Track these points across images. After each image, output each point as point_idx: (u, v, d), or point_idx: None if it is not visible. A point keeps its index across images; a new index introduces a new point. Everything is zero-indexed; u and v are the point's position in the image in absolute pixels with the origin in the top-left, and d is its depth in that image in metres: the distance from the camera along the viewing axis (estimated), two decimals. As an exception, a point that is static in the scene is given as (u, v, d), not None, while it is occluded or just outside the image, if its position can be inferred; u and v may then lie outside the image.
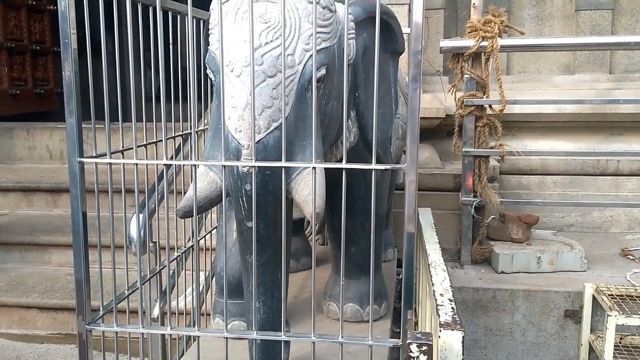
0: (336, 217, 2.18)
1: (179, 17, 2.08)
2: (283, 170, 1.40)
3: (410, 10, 1.28)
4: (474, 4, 3.22)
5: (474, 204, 3.23)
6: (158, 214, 2.14)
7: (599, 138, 4.00)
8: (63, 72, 1.44)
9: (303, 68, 1.60)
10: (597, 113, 3.88)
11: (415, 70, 1.31)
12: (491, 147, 3.28)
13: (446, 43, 3.23)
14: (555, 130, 4.04)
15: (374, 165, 1.38)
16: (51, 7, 6.33)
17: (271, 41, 1.58)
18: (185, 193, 1.70)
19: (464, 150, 3.24)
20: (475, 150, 3.22)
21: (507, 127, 3.86)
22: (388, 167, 1.45)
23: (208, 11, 1.83)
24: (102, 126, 1.54)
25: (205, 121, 2.48)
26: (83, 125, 1.46)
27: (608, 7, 4.10)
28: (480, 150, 3.22)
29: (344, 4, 1.92)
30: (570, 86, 4.11)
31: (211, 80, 1.72)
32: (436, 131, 3.93)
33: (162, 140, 1.64)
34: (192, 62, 1.48)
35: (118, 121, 1.61)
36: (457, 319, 1.44)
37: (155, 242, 2.11)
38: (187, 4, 1.45)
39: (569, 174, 4.00)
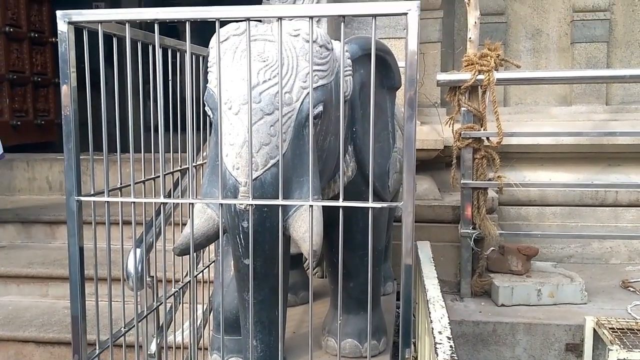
0: (335, 251, 2.16)
1: (178, 53, 2.10)
2: (280, 208, 1.40)
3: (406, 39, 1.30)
4: (470, 38, 3.26)
5: (473, 236, 3.22)
6: (155, 248, 2.14)
7: (597, 169, 4.01)
8: (63, 111, 1.46)
9: (300, 105, 1.62)
10: (595, 144, 3.90)
11: (411, 101, 1.33)
12: (489, 179, 3.29)
13: (443, 76, 3.26)
14: (554, 161, 4.06)
15: (370, 204, 1.38)
16: (53, 39, 6.41)
17: (269, 79, 1.60)
18: (183, 225, 1.71)
19: (462, 182, 3.25)
20: (474, 183, 3.23)
21: (506, 157, 3.89)
22: (384, 205, 1.45)
23: (207, 47, 1.85)
24: (102, 157, 1.55)
25: (204, 154, 2.49)
26: (82, 157, 1.48)
27: (603, 39, 4.16)
28: (479, 182, 3.23)
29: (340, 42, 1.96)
30: (567, 117, 4.14)
31: (209, 117, 1.74)
32: (435, 162, 3.94)
33: (159, 176, 1.64)
34: (191, 99, 1.50)
35: (117, 152, 1.61)
36: (456, 357, 1.43)
37: (153, 276, 2.10)
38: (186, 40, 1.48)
39: (567, 205, 4.00)
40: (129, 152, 1.55)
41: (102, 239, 1.53)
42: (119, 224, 1.81)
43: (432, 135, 3.79)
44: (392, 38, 3.61)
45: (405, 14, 1.30)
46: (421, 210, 3.54)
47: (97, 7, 7.82)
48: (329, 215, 1.60)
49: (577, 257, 3.97)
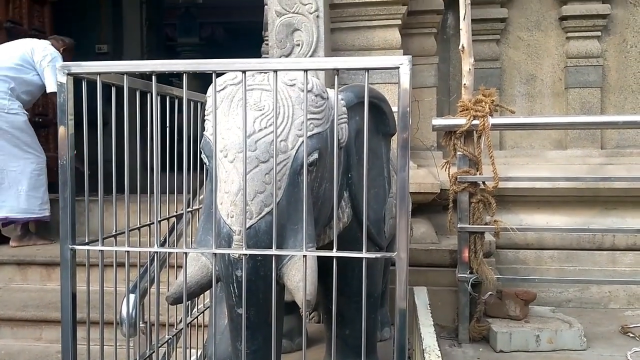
0: (330, 298, 2.16)
1: (176, 100, 2.14)
2: (274, 258, 1.40)
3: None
4: (464, 84, 3.31)
5: (471, 280, 3.20)
6: (150, 293, 2.12)
7: (593, 212, 4.02)
8: (59, 160, 1.47)
9: (296, 153, 1.64)
10: (591, 188, 3.91)
11: (404, 152, 1.34)
12: (486, 223, 3.29)
13: (438, 121, 3.30)
14: (551, 204, 4.07)
15: (364, 254, 1.39)
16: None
17: (265, 128, 1.62)
18: (179, 268, 1.70)
19: (459, 226, 3.25)
20: (470, 227, 3.23)
21: (503, 200, 3.91)
22: (379, 255, 1.46)
23: (207, 91, 1.88)
24: (96, 198, 1.56)
25: (201, 197, 2.50)
26: (78, 198, 1.49)
27: (597, 85, 4.22)
28: (475, 226, 3.23)
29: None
30: (562, 161, 4.17)
31: (205, 165, 1.75)
32: (432, 205, 3.95)
33: (153, 223, 1.65)
34: (187, 145, 1.52)
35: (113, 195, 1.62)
36: (451, 410, 1.40)
37: (147, 322, 2.08)
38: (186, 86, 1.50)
39: (565, 249, 3.99)
40: (130, 194, 1.56)
41: (97, 282, 1.54)
42: (113, 266, 1.81)
43: (428, 178, 3.80)
44: (388, 83, 3.67)
45: (397, 68, 1.33)
46: (418, 255, 3.53)
47: (99, 50, 7.96)
48: (325, 261, 1.60)
49: (576, 301, 3.93)
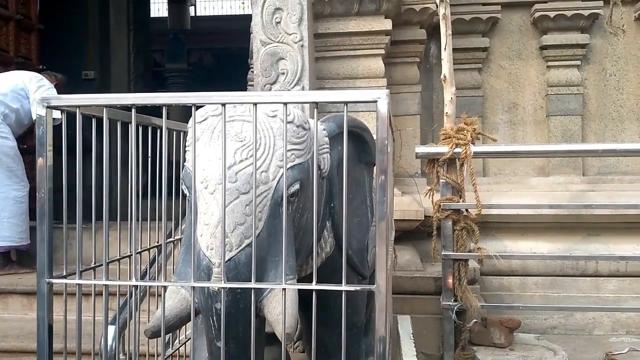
0: (311, 330, 2.15)
1: (159, 130, 2.14)
2: (253, 291, 1.40)
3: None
4: (447, 112, 3.36)
5: (455, 308, 3.20)
6: (129, 325, 2.10)
7: (576, 238, 4.04)
8: (37, 192, 1.46)
9: (277, 184, 1.64)
10: (574, 214, 3.94)
11: (382, 186, 1.35)
12: (470, 250, 3.30)
13: (422, 149, 3.33)
14: (534, 230, 4.09)
15: (344, 287, 1.39)
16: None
17: (246, 159, 1.62)
18: (160, 296, 1.68)
19: (443, 253, 3.26)
20: (454, 254, 3.24)
21: (487, 227, 3.92)
22: (358, 287, 1.45)
23: (187, 123, 1.89)
24: (74, 226, 1.55)
25: (183, 226, 2.49)
26: (57, 226, 1.48)
27: (577, 113, 4.29)
28: (459, 254, 3.24)
29: (318, 121, 2.01)
30: (545, 188, 4.21)
31: (186, 196, 1.75)
32: (416, 232, 3.95)
33: (131, 255, 1.64)
34: (166, 176, 1.52)
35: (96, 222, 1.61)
36: None
37: (127, 353, 2.05)
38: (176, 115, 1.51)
39: (549, 275, 4.01)
40: (111, 221, 1.56)
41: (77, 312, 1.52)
42: (92, 297, 1.79)
43: (413, 205, 3.82)
44: (372, 111, 3.68)
45: (375, 101, 1.35)
46: (403, 282, 3.52)
47: (86, 76, 7.95)
48: (307, 292, 1.59)
49: (561, 328, 3.93)
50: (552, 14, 4.19)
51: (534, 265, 4.02)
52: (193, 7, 14.85)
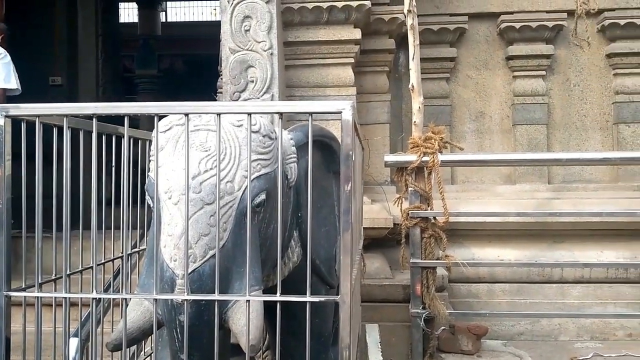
0: (280, 339, 2.13)
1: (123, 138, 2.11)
2: (216, 303, 1.38)
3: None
4: (415, 122, 3.39)
5: (423, 315, 3.22)
6: (92, 337, 2.05)
7: (542, 246, 4.11)
8: (-5, 203, 1.43)
9: (242, 194, 1.63)
10: (539, 222, 4.01)
11: (347, 198, 1.35)
12: (438, 258, 3.33)
13: (390, 158, 3.36)
14: (501, 238, 4.14)
15: (308, 298, 1.38)
16: None
17: (210, 169, 1.61)
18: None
19: (411, 261, 3.28)
20: (422, 262, 3.26)
21: (455, 234, 3.96)
22: (322, 298, 1.45)
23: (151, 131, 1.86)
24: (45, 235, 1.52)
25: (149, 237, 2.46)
26: (15, 235, 1.44)
27: (542, 122, 4.37)
28: (427, 261, 3.27)
29: (285, 130, 2.01)
30: (512, 195, 4.27)
31: (149, 207, 1.73)
32: (386, 240, 3.97)
33: (92, 267, 1.61)
34: (127, 185, 1.49)
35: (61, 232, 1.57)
36: None
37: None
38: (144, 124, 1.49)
39: (516, 282, 4.06)
40: (76, 231, 1.53)
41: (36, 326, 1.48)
42: (53, 307, 1.75)
43: (382, 213, 3.84)
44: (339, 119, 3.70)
45: (340, 112, 1.35)
46: (372, 290, 3.53)
47: (53, 82, 7.81)
48: (275, 302, 1.58)
49: (527, 334, 3.99)
50: (517, 25, 4.27)
51: (501, 272, 4.07)
52: (164, 12, 14.72)
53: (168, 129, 1.69)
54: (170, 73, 13.11)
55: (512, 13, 4.33)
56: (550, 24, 4.27)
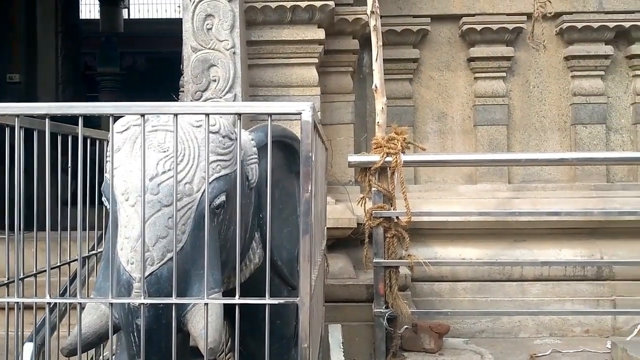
0: (242, 340, 2.12)
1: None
2: (174, 306, 1.36)
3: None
4: (378, 122, 3.41)
5: (386, 315, 3.24)
6: (47, 342, 2.00)
7: (503, 244, 4.18)
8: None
9: (201, 196, 1.61)
10: (500, 221, 4.08)
11: (307, 202, 1.35)
12: (400, 257, 3.36)
13: (354, 158, 3.37)
14: (463, 237, 4.20)
15: (267, 300, 1.37)
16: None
17: (168, 170, 1.58)
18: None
19: (374, 261, 3.30)
20: (385, 261, 3.29)
21: (418, 234, 4.00)
22: (282, 300, 1.44)
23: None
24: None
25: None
26: None
27: (503, 123, 4.45)
28: (390, 261, 3.29)
29: (246, 131, 1.99)
30: (473, 195, 4.34)
31: (106, 208, 1.69)
32: (350, 240, 3.98)
33: (45, 271, 1.57)
34: (82, 186, 1.46)
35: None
36: None
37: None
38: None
39: (477, 280, 4.12)
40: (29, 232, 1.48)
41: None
42: (6, 312, 1.70)
43: (346, 214, 3.85)
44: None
45: (299, 113, 1.34)
46: (336, 290, 3.54)
47: (11, 79, 7.60)
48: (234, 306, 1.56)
49: (489, 331, 4.06)
50: (478, 27, 4.33)
51: (463, 271, 4.13)
52: (126, 9, 14.46)
53: (125, 129, 1.66)
54: (133, 71, 12.89)
55: (473, 15, 4.40)
56: (510, 26, 4.35)
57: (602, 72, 4.46)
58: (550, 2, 3.71)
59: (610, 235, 4.18)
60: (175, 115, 1.37)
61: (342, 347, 2.52)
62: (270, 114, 1.37)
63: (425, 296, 4.10)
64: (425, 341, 3.33)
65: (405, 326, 3.42)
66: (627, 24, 4.33)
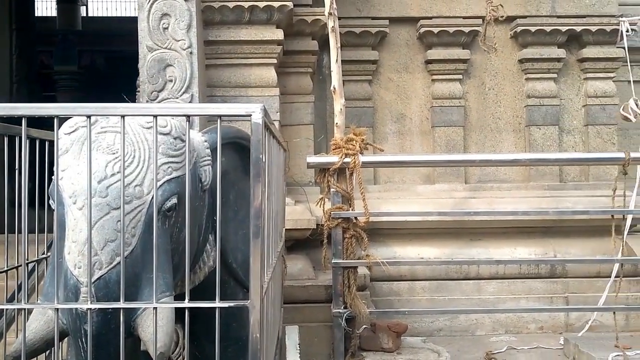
0: (197, 344, 2.10)
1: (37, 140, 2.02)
2: (123, 311, 1.34)
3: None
4: (337, 123, 3.43)
5: (344, 315, 3.26)
6: None
7: (460, 243, 4.25)
8: None
9: (152, 198, 1.59)
10: (457, 220, 4.15)
11: (256, 212, 1.34)
12: (359, 258, 3.38)
13: (312, 159, 3.38)
14: (421, 236, 4.26)
15: (217, 304, 1.37)
16: None
17: (118, 172, 1.56)
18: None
19: (333, 261, 3.32)
20: (344, 262, 3.30)
21: (378, 234, 4.04)
22: (232, 304, 1.43)
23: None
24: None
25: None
26: None
27: (459, 124, 4.52)
28: (348, 261, 3.31)
29: (200, 132, 1.97)
30: (431, 195, 4.40)
31: (53, 212, 1.65)
32: (310, 241, 3.99)
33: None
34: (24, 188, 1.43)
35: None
36: None
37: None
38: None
39: (435, 279, 4.18)
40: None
41: None
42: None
43: (305, 214, 3.85)
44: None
45: (249, 115, 1.34)
46: (295, 291, 3.54)
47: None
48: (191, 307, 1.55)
49: (446, 330, 4.12)
50: (436, 30, 4.40)
51: (421, 270, 4.18)
52: (84, 7, 14.15)
53: (73, 131, 1.63)
54: (91, 70, 12.61)
55: (430, 18, 4.46)
56: (466, 29, 4.42)
57: (555, 75, 4.58)
58: (502, 6, 3.78)
59: (563, 234, 4.30)
60: (122, 116, 1.34)
61: (298, 348, 2.52)
62: (219, 116, 1.36)
63: (385, 295, 4.13)
64: (384, 340, 3.36)
65: (364, 326, 3.44)
66: (578, 28, 4.45)
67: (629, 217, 3.62)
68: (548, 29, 4.43)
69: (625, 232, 3.58)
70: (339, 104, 3.46)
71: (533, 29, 4.43)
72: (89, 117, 1.34)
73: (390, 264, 3.49)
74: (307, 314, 3.52)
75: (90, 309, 1.38)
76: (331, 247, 3.35)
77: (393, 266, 3.91)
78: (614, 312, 3.58)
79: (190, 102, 3.14)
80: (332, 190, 3.35)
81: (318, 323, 3.53)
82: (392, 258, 4.01)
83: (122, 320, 1.34)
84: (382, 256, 3.56)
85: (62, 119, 1.53)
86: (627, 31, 4.03)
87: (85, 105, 1.31)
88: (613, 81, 4.64)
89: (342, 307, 3.28)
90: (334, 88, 3.46)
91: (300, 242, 3.93)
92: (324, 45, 4.23)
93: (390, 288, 4.16)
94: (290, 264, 3.59)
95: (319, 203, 3.44)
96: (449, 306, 4.08)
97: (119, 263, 1.48)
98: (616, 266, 3.67)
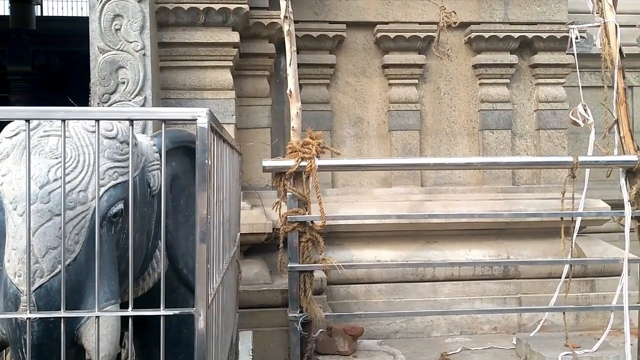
0: (146, 352, 2.07)
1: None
2: (63, 320, 1.31)
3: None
4: (293, 127, 3.42)
5: (300, 319, 3.25)
6: None
7: (416, 246, 4.30)
8: None
9: (96, 204, 1.55)
10: (414, 223, 4.19)
11: (202, 221, 1.33)
12: (315, 261, 3.37)
13: (268, 163, 3.36)
14: (378, 239, 4.28)
15: (162, 312, 1.35)
16: None
17: (61, 177, 1.52)
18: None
19: (289, 265, 3.30)
20: (300, 266, 3.29)
21: (335, 237, 4.05)
22: (177, 312, 1.41)
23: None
24: None
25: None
26: None
27: (415, 128, 4.57)
28: (304, 265, 3.30)
29: (148, 136, 1.94)
30: (388, 198, 4.43)
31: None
32: (266, 245, 3.96)
33: None
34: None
35: None
36: None
37: None
38: None
39: (392, 282, 4.21)
40: None
41: None
42: None
43: (261, 219, 3.83)
44: (222, 123, 3.66)
45: (195, 120, 1.32)
46: (250, 296, 3.52)
47: None
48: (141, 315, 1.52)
49: (403, 332, 4.15)
50: (392, 35, 4.44)
51: (378, 273, 4.21)
52: (39, 5, 13.79)
53: (15, 135, 1.58)
54: (45, 70, 12.29)
55: (387, 23, 4.50)
56: (422, 34, 4.48)
57: (508, 80, 4.69)
58: (455, 12, 3.85)
59: (515, 236, 4.39)
60: (63, 120, 1.31)
61: (251, 354, 2.50)
62: (164, 120, 1.34)
63: (342, 299, 4.14)
64: (340, 344, 3.36)
65: (320, 330, 3.44)
66: (530, 35, 4.57)
67: (578, 220, 3.72)
68: (501, 35, 4.53)
69: (575, 234, 3.67)
70: (295, 107, 3.46)
71: (486, 35, 4.52)
72: (27, 120, 1.30)
73: (346, 267, 3.50)
74: (263, 318, 3.50)
75: (30, 318, 1.34)
76: (287, 251, 3.34)
77: (350, 269, 3.94)
78: (564, 312, 3.68)
79: (143, 105, 3.08)
80: (288, 194, 3.33)
81: (274, 328, 3.51)
82: (350, 261, 4.03)
83: (63, 330, 1.31)
84: (339, 259, 3.56)
85: (3, 123, 1.48)
86: (577, 38, 4.13)
87: (24, 108, 1.28)
88: (563, 87, 4.78)
89: (298, 311, 3.27)
90: (290, 91, 3.46)
91: (257, 247, 3.90)
92: (282, 48, 4.21)
93: (348, 291, 4.17)
94: (246, 268, 3.56)
95: (275, 207, 3.42)
96: (405, 308, 4.12)
97: (61, 271, 1.44)
98: (566, 267, 3.77)
